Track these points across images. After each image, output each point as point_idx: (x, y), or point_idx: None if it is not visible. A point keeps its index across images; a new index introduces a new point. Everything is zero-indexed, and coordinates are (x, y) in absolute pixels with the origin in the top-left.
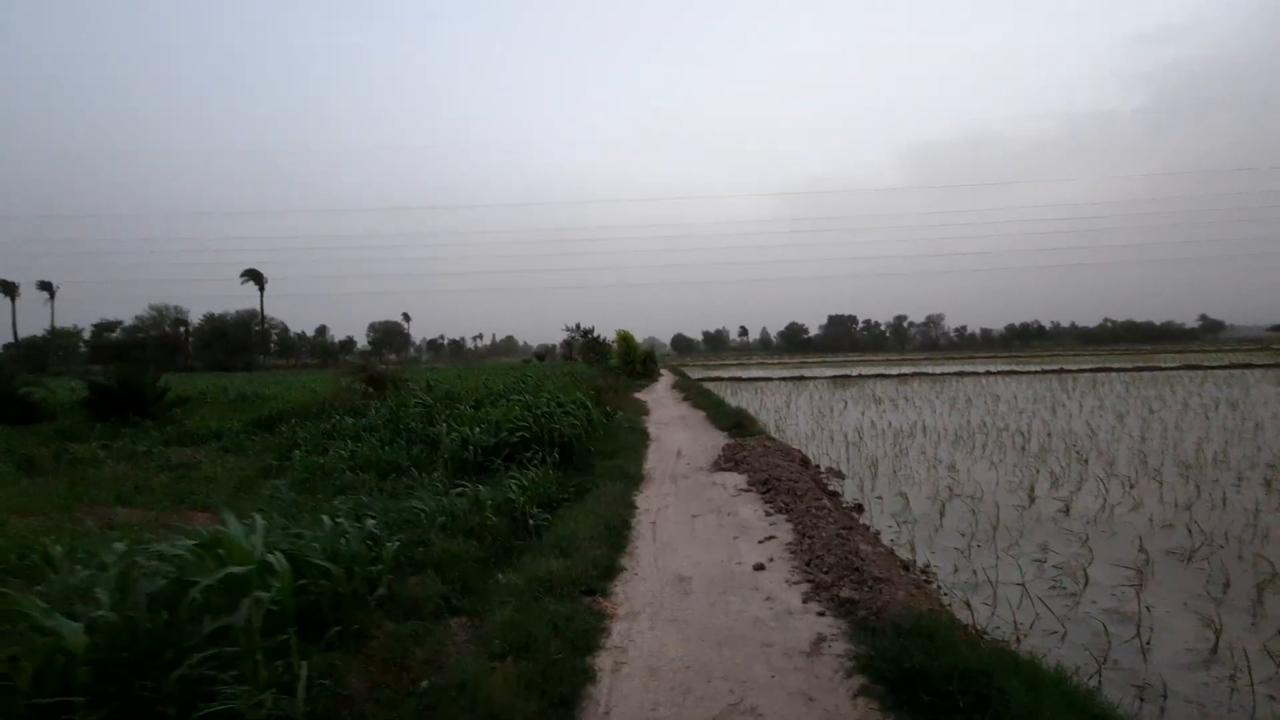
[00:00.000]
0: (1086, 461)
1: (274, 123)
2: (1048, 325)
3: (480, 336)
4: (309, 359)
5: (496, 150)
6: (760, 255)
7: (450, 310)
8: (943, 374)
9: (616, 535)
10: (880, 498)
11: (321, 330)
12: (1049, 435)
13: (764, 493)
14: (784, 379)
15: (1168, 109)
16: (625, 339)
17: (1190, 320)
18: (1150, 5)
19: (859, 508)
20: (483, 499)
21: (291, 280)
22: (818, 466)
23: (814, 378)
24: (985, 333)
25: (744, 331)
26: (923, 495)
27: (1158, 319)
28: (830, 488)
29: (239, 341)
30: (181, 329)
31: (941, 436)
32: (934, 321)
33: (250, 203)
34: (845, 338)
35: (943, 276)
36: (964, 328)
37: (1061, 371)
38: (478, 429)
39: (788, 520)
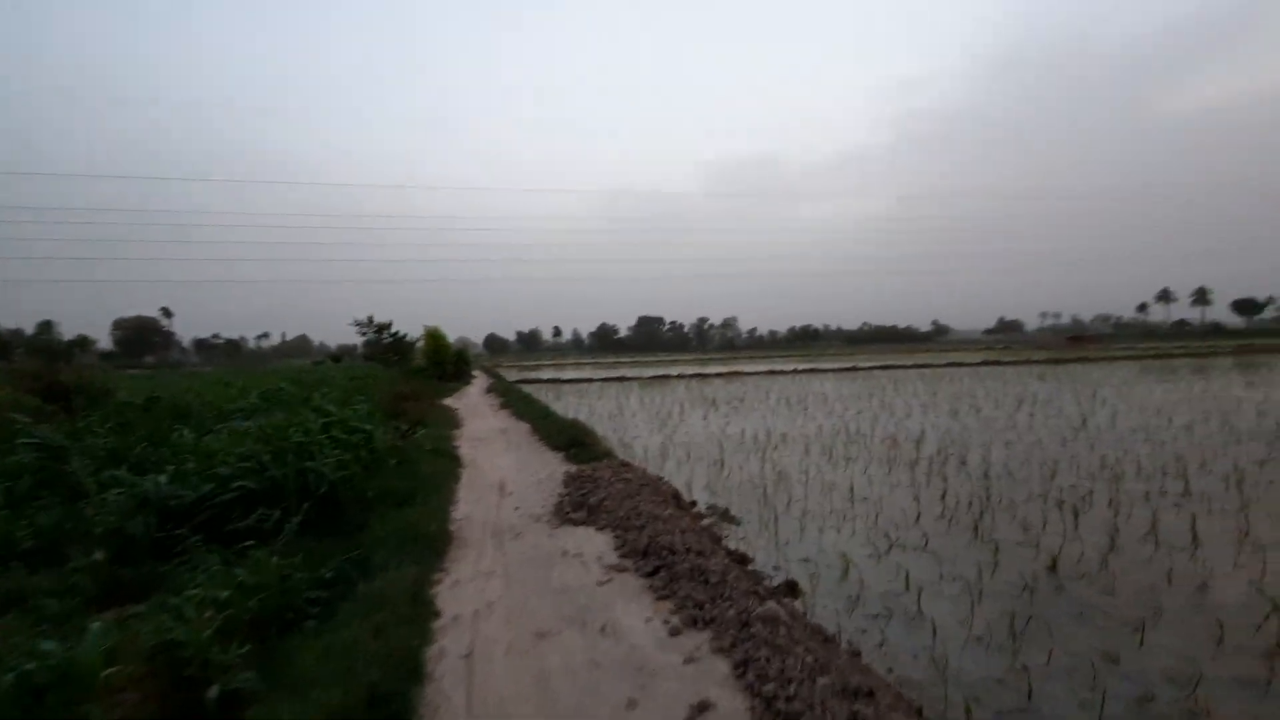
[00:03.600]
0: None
1: None
2: (820, 327)
3: (266, 336)
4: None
5: (270, 116)
6: (572, 255)
7: (230, 305)
8: (755, 373)
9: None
10: (808, 560)
11: (46, 327)
12: (918, 442)
13: (649, 574)
14: (604, 380)
15: (908, 146)
16: (434, 336)
17: (924, 324)
18: (896, 59)
19: (791, 588)
20: (86, 664)
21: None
22: (693, 504)
23: (633, 378)
24: (773, 334)
25: (557, 332)
26: (863, 553)
27: (900, 323)
28: (726, 542)
29: None
30: None
31: (808, 446)
32: (730, 323)
33: None
34: (654, 338)
35: (736, 281)
36: (755, 329)
37: (855, 369)
38: (165, 477)
39: (713, 644)
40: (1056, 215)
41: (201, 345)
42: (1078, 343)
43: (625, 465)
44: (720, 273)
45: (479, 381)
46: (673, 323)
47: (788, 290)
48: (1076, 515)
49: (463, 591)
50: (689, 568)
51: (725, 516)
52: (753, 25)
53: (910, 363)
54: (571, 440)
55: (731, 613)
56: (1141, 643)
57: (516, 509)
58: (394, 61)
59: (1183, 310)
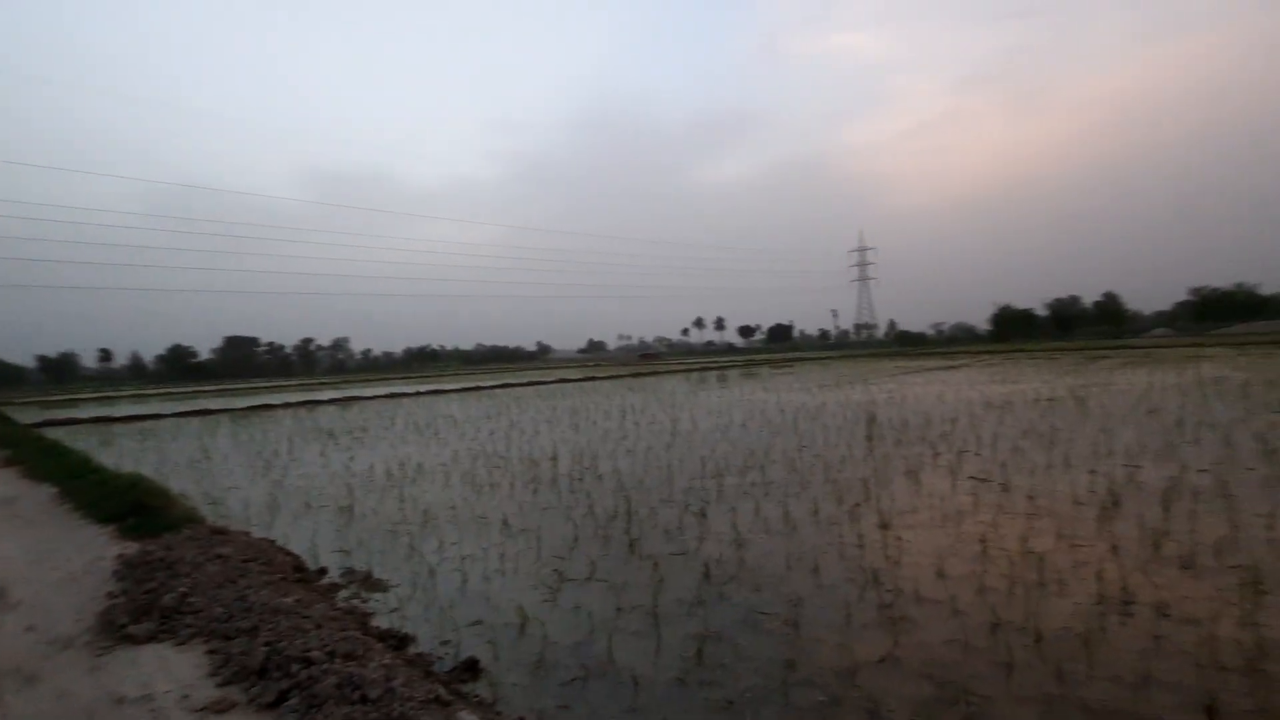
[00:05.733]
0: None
1: None
2: (438, 348)
3: None
4: None
5: None
6: (125, 257)
7: None
8: (375, 397)
9: None
10: (480, 623)
11: None
12: (554, 458)
13: (272, 704)
14: (180, 415)
15: (513, 181)
16: None
17: (530, 344)
18: (505, 101)
19: (471, 669)
20: None
21: None
22: (322, 573)
23: (221, 410)
24: (388, 355)
25: (106, 355)
26: (536, 598)
27: (510, 343)
28: (375, 620)
29: None
30: None
31: (449, 476)
32: (341, 344)
33: None
34: (246, 362)
35: (347, 299)
36: (369, 350)
37: (479, 389)
38: None
39: None
40: (627, 254)
41: None
42: (648, 359)
43: (220, 532)
44: (329, 290)
45: None
46: (271, 344)
47: (402, 311)
48: (704, 515)
49: None
50: (335, 683)
51: (368, 583)
52: (371, 36)
53: (525, 380)
54: (130, 505)
55: None
56: (799, 636)
57: (29, 629)
58: None
59: (709, 334)
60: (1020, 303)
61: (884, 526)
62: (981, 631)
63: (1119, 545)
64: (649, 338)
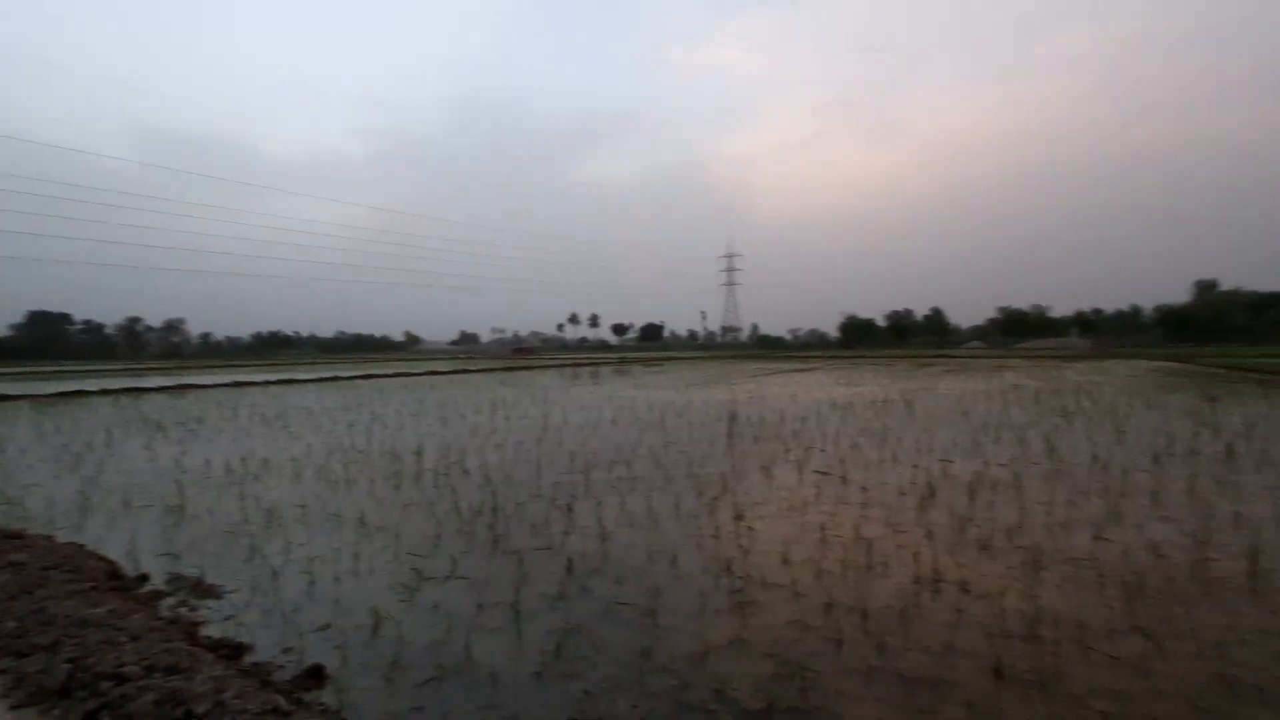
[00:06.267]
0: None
1: None
2: (292, 334)
3: None
4: None
5: None
6: None
7: None
8: (217, 385)
9: None
10: (329, 627)
11: None
12: (419, 453)
13: None
14: None
15: (386, 162)
16: None
17: (398, 334)
18: (376, 75)
19: (315, 675)
20: None
21: None
22: (143, 580)
23: (20, 397)
24: (233, 340)
25: None
26: (393, 598)
27: (376, 332)
28: (206, 629)
29: None
30: None
31: (300, 471)
32: (175, 325)
33: None
34: (55, 342)
35: (186, 276)
36: (209, 334)
37: (337, 379)
38: None
39: None
40: (504, 246)
41: None
42: (522, 353)
43: (14, 537)
44: (162, 265)
45: None
46: (88, 322)
47: (251, 292)
48: (570, 510)
49: None
50: (154, 699)
51: (199, 589)
52: None
53: (391, 372)
54: None
55: None
56: (656, 624)
57: None
58: None
59: (584, 330)
60: (865, 313)
61: (738, 518)
62: (818, 612)
63: (933, 531)
64: (524, 332)
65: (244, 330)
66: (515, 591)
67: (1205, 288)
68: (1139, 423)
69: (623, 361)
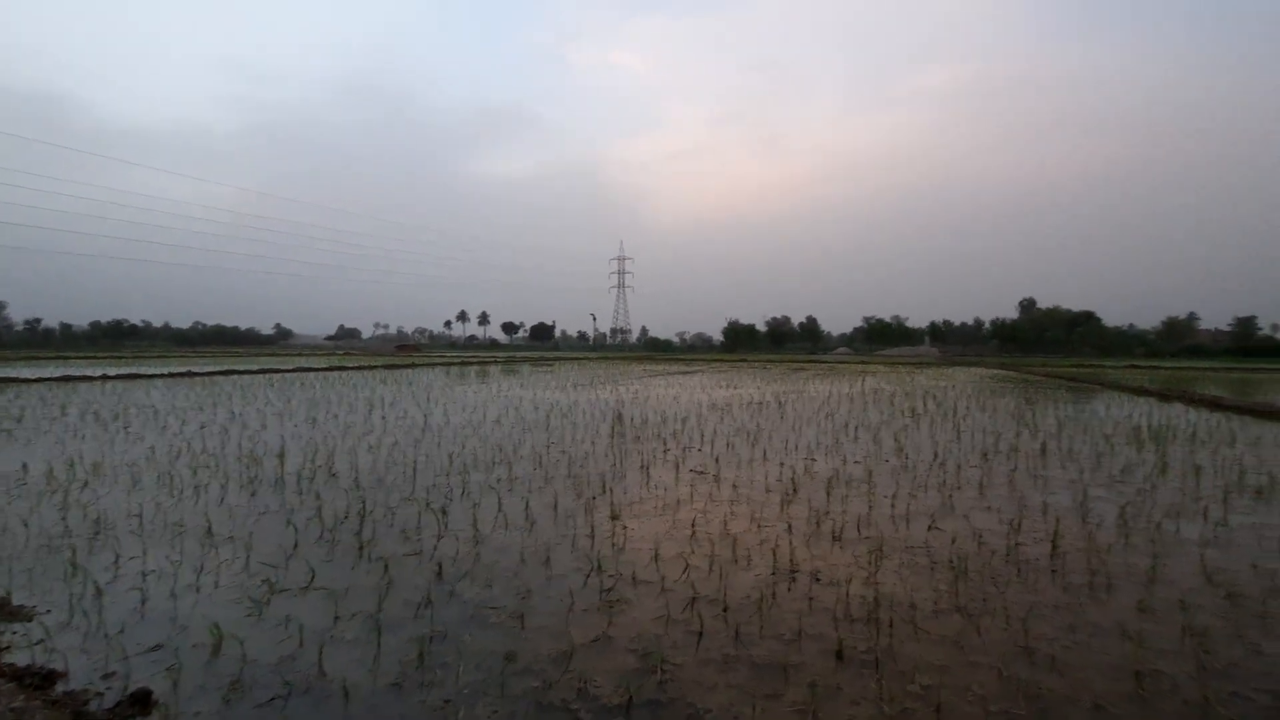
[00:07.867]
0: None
1: None
2: (140, 323)
3: None
4: None
5: None
6: None
7: None
8: (39, 379)
9: None
10: (161, 648)
11: None
12: (281, 456)
13: None
14: None
15: (253, 134)
16: None
17: (267, 327)
18: (249, 41)
19: (141, 702)
20: None
21: None
22: None
23: None
24: (67, 327)
25: None
26: (238, 613)
27: (241, 324)
28: (8, 655)
29: None
30: None
31: (138, 477)
32: None
33: None
34: None
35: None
36: (38, 320)
37: (191, 374)
38: None
39: None
40: (389, 237)
41: None
42: (406, 350)
43: None
44: None
45: None
46: None
47: (91, 274)
48: (445, 513)
49: None
50: None
51: (3, 612)
52: None
53: (256, 368)
54: None
55: None
56: (523, 627)
57: None
58: None
59: (473, 328)
60: (747, 319)
61: (614, 517)
62: (682, 606)
63: (793, 525)
64: (408, 328)
65: (81, 318)
66: (378, 601)
67: (1026, 306)
68: (973, 423)
69: (511, 360)
